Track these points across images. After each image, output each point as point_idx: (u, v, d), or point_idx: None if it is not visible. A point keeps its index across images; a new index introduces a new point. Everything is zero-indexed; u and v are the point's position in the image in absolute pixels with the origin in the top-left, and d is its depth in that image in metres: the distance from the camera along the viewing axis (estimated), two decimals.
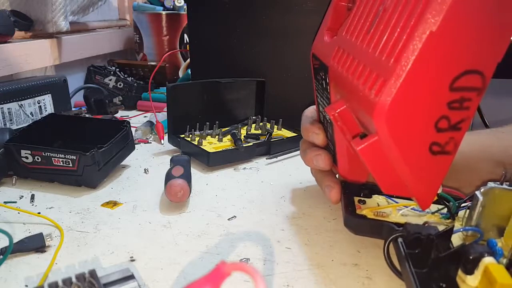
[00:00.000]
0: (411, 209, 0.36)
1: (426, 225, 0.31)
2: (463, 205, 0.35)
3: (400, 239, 0.30)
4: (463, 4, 0.23)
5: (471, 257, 0.27)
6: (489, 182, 0.31)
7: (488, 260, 0.26)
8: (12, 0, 0.77)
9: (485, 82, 0.25)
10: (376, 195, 0.39)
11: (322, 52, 0.36)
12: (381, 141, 0.27)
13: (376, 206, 0.37)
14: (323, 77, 0.35)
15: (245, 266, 0.20)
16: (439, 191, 0.31)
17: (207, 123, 0.61)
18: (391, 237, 0.31)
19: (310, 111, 0.43)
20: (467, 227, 0.32)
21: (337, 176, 0.41)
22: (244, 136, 0.60)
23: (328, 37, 0.36)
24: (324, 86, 0.35)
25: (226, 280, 0.21)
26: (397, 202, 0.37)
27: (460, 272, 0.27)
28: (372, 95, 0.25)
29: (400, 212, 0.36)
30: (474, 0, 0.23)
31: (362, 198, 0.38)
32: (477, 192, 0.31)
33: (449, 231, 0.30)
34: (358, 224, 0.35)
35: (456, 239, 0.32)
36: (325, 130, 0.40)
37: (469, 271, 0.27)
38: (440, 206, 0.36)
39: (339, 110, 0.32)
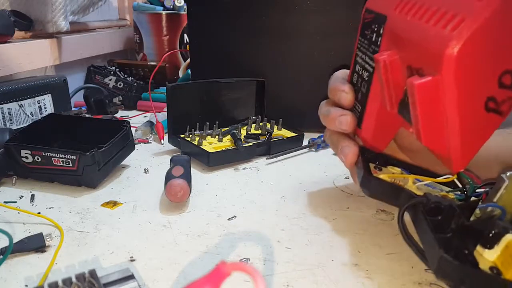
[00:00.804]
0: (425, 185, 0.36)
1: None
2: (477, 190, 0.35)
3: (420, 206, 0.30)
4: None
5: (494, 231, 0.26)
6: None
7: (511, 236, 0.26)
8: (12, 0, 0.77)
9: None
10: (391, 166, 0.38)
11: (379, 5, 0.35)
12: (443, 81, 0.26)
13: (392, 174, 0.36)
14: (376, 29, 0.35)
15: (245, 266, 0.20)
16: (461, 169, 0.30)
17: (207, 123, 0.61)
18: (411, 202, 0.30)
19: (341, 73, 0.42)
20: (490, 203, 0.31)
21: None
22: (244, 136, 0.60)
23: None
24: (374, 39, 0.35)
25: (226, 280, 0.21)
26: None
27: (478, 246, 0.27)
28: (447, 31, 0.25)
29: (416, 184, 0.35)
30: None
31: (378, 166, 0.37)
32: (502, 175, 0.31)
33: (474, 204, 0.29)
34: (375, 185, 0.34)
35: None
36: (355, 92, 0.39)
37: (490, 245, 0.27)
38: (446, 189, 0.36)
39: (390, 58, 0.31)
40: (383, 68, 0.31)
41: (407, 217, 0.32)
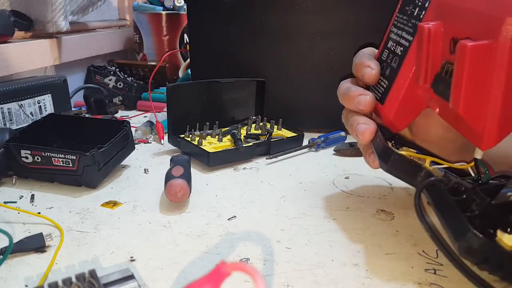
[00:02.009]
0: (440, 169, 0.35)
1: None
2: (490, 181, 0.34)
3: (442, 185, 0.30)
4: None
5: None
6: None
7: None
8: (12, 0, 0.77)
9: None
10: (407, 148, 0.37)
11: None
12: (497, 47, 0.25)
13: (410, 153, 0.36)
14: (421, 3, 0.34)
15: (245, 266, 0.20)
16: (479, 157, 0.30)
17: (207, 123, 0.61)
18: (433, 179, 0.30)
19: (368, 50, 0.42)
20: None
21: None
22: (244, 136, 0.60)
23: None
24: (416, 13, 0.35)
25: (226, 280, 0.21)
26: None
27: (498, 230, 0.27)
28: None
29: (432, 167, 0.34)
30: None
31: (395, 145, 0.37)
32: None
33: (493, 189, 0.29)
34: (395, 159, 0.33)
35: None
36: (382, 68, 0.38)
37: (511, 230, 0.26)
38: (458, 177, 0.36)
39: (435, 27, 0.31)
40: (427, 36, 0.31)
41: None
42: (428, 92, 0.32)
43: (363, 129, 0.37)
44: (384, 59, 0.39)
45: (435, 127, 0.37)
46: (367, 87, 0.40)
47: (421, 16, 0.34)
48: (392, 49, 0.38)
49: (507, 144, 0.39)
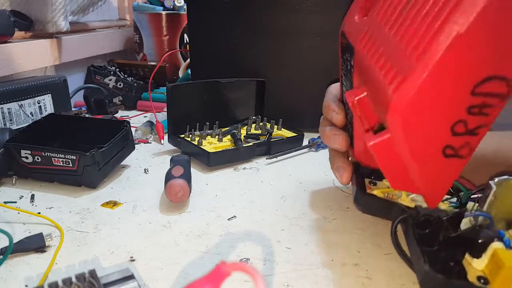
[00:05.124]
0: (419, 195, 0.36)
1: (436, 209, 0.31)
2: (472, 196, 0.35)
3: (410, 220, 0.30)
4: (494, 9, 0.22)
5: (480, 241, 0.27)
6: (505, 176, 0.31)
7: (497, 244, 0.26)
8: (12, 0, 0.77)
9: (510, 89, 0.24)
10: (386, 180, 0.38)
11: (350, 32, 0.34)
12: (394, 139, 0.26)
13: (386, 188, 0.36)
14: (349, 58, 0.34)
15: (245, 266, 0.20)
16: None
17: (207, 123, 0.61)
18: (401, 217, 0.31)
19: (335, 88, 0.42)
20: (477, 212, 0.31)
21: (350, 158, 0.41)
22: (244, 136, 0.60)
23: (358, 17, 0.34)
24: (349, 68, 0.35)
25: (226, 280, 0.21)
26: None
27: (467, 255, 0.27)
28: (390, 91, 0.25)
29: (410, 196, 0.35)
30: (505, 5, 0.22)
31: (373, 180, 0.38)
32: (491, 182, 0.31)
33: (460, 215, 0.30)
34: (368, 201, 0.35)
35: (464, 227, 0.32)
36: (345, 111, 0.39)
37: (477, 255, 0.27)
38: (448, 196, 0.36)
39: (358, 97, 0.31)
40: (353, 108, 0.32)
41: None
42: None
43: (341, 172, 0.39)
44: (345, 102, 0.39)
45: None
46: None
47: (352, 73, 0.34)
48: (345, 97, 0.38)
49: (504, 145, 0.39)
